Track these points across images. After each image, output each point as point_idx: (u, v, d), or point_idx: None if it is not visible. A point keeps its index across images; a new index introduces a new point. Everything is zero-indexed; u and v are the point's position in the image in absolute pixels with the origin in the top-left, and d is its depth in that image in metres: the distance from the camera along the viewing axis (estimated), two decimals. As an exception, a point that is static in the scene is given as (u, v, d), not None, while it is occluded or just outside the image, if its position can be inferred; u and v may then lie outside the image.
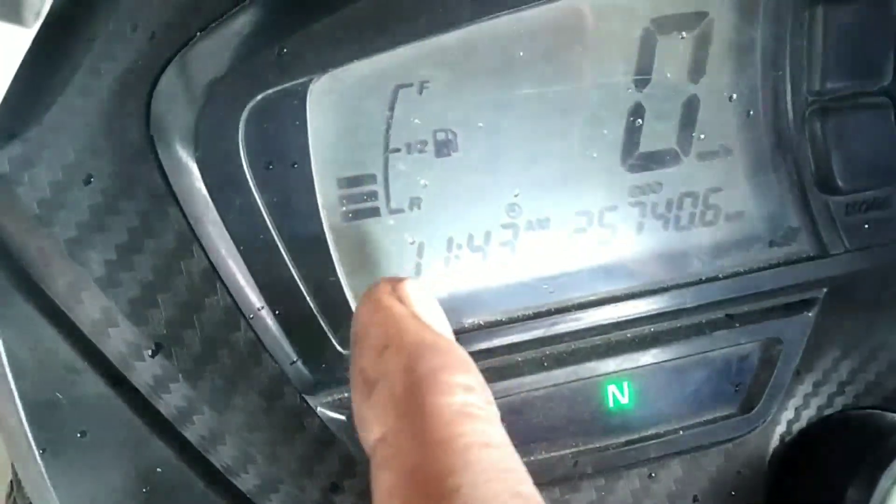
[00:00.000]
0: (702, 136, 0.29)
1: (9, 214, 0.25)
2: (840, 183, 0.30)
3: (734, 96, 0.29)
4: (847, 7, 0.28)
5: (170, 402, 0.28)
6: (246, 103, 0.25)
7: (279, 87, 0.25)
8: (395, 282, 0.23)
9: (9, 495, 0.34)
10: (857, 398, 0.35)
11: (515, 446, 0.29)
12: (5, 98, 0.21)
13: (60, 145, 0.25)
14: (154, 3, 0.25)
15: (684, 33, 0.29)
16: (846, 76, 0.29)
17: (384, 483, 0.21)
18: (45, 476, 0.28)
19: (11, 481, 0.34)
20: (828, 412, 0.35)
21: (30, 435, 0.28)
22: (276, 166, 0.25)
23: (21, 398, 0.28)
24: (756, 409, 0.31)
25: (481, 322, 0.28)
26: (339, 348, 0.27)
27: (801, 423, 0.35)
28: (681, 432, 0.31)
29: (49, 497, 0.29)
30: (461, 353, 0.23)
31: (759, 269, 0.30)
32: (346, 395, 0.28)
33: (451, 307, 0.28)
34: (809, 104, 0.29)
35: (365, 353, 0.23)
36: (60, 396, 0.28)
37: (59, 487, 0.29)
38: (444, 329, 0.24)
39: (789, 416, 0.34)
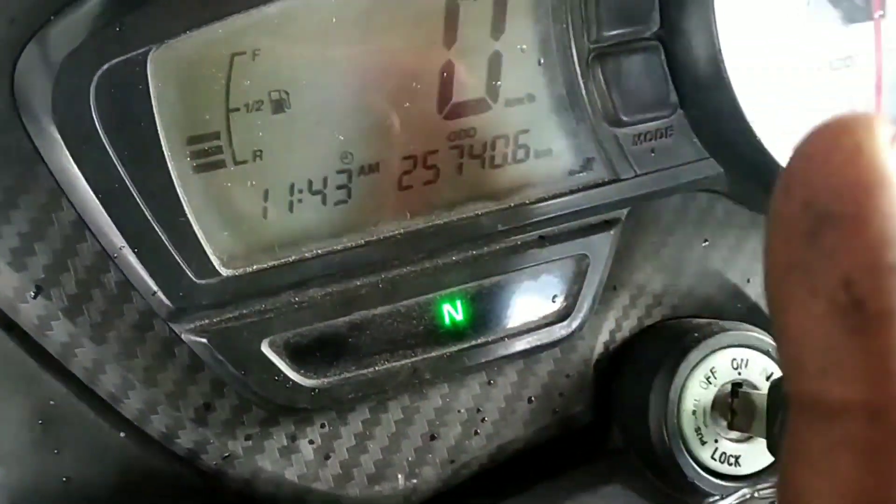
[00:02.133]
0: (505, 85, 0.34)
1: None
2: (624, 117, 0.35)
3: (524, 47, 0.34)
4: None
5: (54, 339, 0.32)
6: (94, 73, 0.29)
7: (121, 58, 0.29)
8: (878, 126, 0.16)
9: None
10: (674, 309, 0.41)
11: (360, 360, 0.34)
12: None
13: (-65, 116, 0.29)
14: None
15: (482, -1, 0.34)
16: (620, 24, 0.34)
17: (845, 474, 0.16)
18: (-51, 413, 0.33)
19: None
20: (648, 323, 0.41)
21: (-68, 375, 0.32)
22: (125, 126, 0.30)
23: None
24: (571, 315, 0.36)
25: (321, 252, 0.33)
26: (193, 278, 0.31)
27: (624, 333, 0.40)
28: (506, 339, 0.36)
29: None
30: None
31: (562, 195, 0.35)
32: (206, 320, 0.32)
33: (295, 240, 0.33)
34: (591, 51, 0.34)
35: (856, 251, 0.16)
36: (-43, 343, 0.32)
37: (-37, 423, 0.33)
38: None
39: (611, 326, 0.39)
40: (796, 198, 0.17)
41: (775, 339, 0.17)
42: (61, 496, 0.35)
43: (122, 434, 0.34)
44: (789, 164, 0.17)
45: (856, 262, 0.16)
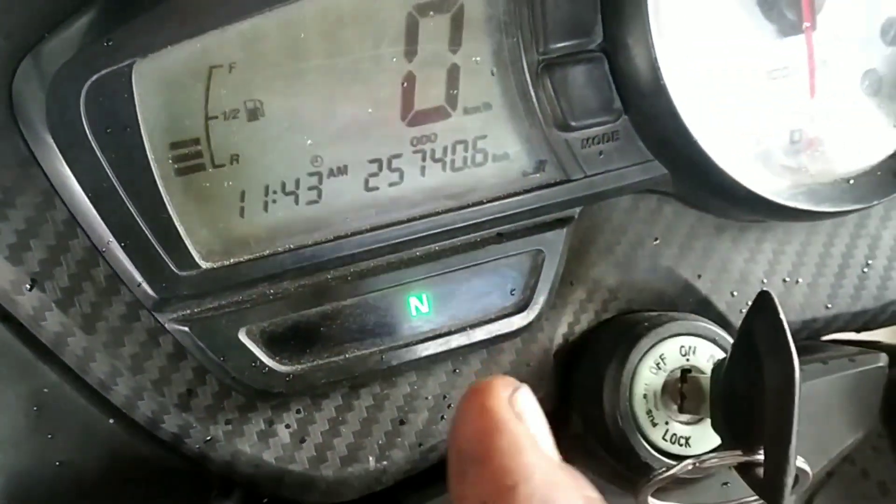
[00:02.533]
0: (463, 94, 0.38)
1: None
2: (572, 123, 0.38)
3: (478, 60, 0.37)
4: (561, -13, 0.37)
5: (48, 329, 0.35)
6: (84, 84, 0.32)
7: (108, 70, 0.32)
8: (511, 389, 0.24)
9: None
10: (629, 303, 0.43)
11: (332, 348, 0.37)
12: None
13: (-62, 124, 0.32)
14: (11, 11, 0.32)
15: (441, 15, 0.37)
16: (566, 38, 0.37)
17: None
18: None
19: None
20: (605, 316, 0.43)
21: (-66, 365, 0.35)
22: (112, 131, 0.33)
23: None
24: (528, 307, 0.39)
25: (293, 247, 0.36)
26: (175, 271, 0.34)
27: (582, 325, 0.43)
28: (468, 329, 0.38)
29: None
30: (585, 485, 0.23)
31: (517, 194, 0.38)
32: (187, 311, 0.35)
33: (270, 236, 0.36)
34: (540, 63, 0.37)
35: (487, 481, 0.22)
36: (-43, 334, 0.35)
37: (-37, 410, 0.36)
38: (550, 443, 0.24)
39: (569, 319, 0.42)
40: (453, 447, 0.24)
41: None
42: (54, 479, 0.37)
43: (110, 420, 0.37)
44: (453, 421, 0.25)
45: (486, 488, 0.22)
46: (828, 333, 0.46)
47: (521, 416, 0.24)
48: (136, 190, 0.33)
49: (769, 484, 0.32)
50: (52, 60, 0.32)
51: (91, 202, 0.33)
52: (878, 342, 0.49)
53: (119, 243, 0.34)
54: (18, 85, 0.32)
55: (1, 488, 0.37)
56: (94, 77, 0.32)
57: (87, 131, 0.32)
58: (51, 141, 0.32)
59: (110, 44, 0.32)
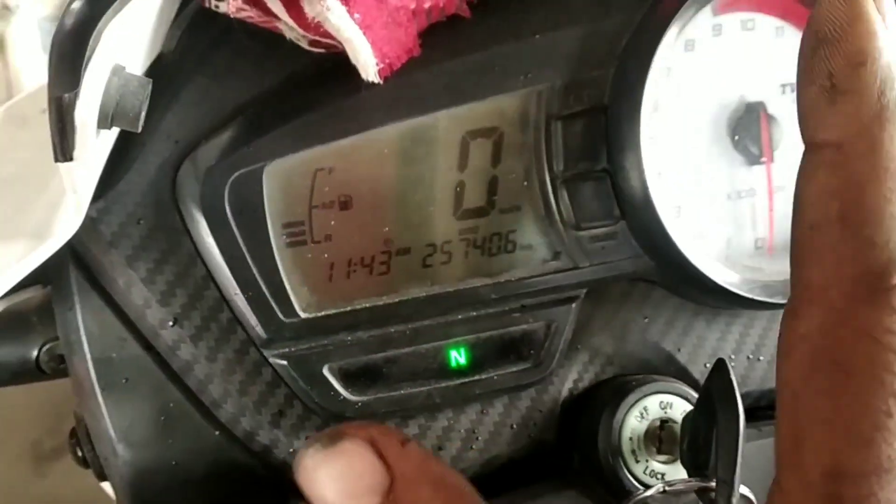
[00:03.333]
0: (500, 198, 0.50)
1: (92, 240, 0.44)
2: (582, 224, 0.49)
3: (513, 175, 0.49)
4: (576, 121, 0.49)
5: (180, 358, 0.46)
6: (228, 179, 0.44)
7: (246, 169, 0.45)
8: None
9: (72, 434, 0.52)
10: (622, 368, 0.54)
11: (391, 385, 0.48)
12: (100, 177, 0.41)
13: (124, 202, 0.44)
14: (178, 124, 0.45)
15: (486, 139, 0.49)
16: (579, 162, 0.49)
17: (823, 181, 0.25)
18: (102, 406, 0.47)
19: (73, 429, 0.52)
20: (603, 377, 0.54)
21: (94, 379, 0.46)
22: (244, 213, 0.45)
23: (90, 356, 0.46)
24: (543, 365, 0.50)
25: (367, 306, 0.47)
26: (281, 318, 0.46)
27: (584, 383, 0.53)
28: (495, 377, 0.49)
29: (104, 422, 0.47)
30: None
31: (538, 276, 0.49)
32: (286, 349, 0.46)
33: (350, 297, 0.48)
34: (559, 178, 0.49)
35: (838, 58, 0.25)
36: (114, 356, 0.47)
37: (111, 416, 0.47)
38: None
39: (574, 377, 0.52)
40: (811, 28, 0.26)
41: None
42: (169, 475, 0.48)
43: (216, 432, 0.48)
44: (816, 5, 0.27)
45: (836, 62, 0.25)
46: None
47: (882, 13, 0.25)
48: (258, 256, 0.45)
49: (720, 501, 0.43)
50: (207, 160, 0.45)
51: (226, 265, 0.45)
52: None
53: (243, 295, 0.45)
54: (181, 177, 0.45)
55: (129, 478, 0.47)
56: (236, 174, 0.44)
57: (228, 212, 0.44)
58: (201, 218, 0.44)
59: (251, 150, 0.44)
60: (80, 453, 0.50)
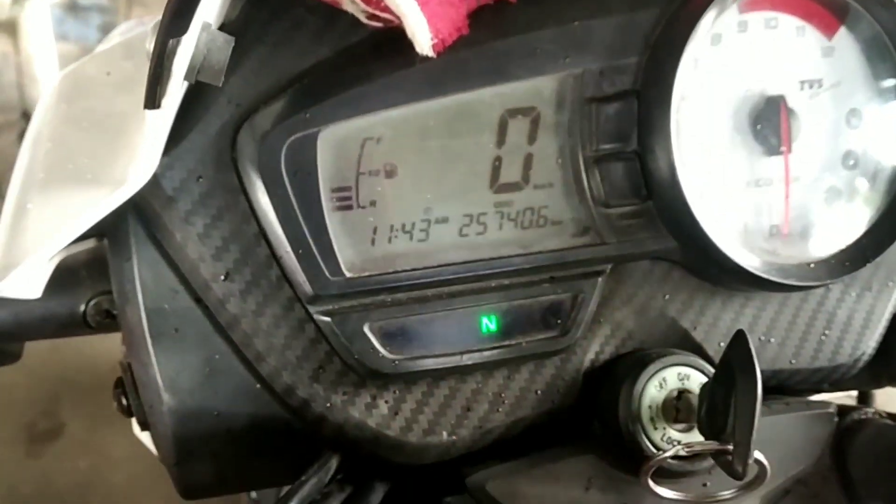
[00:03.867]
0: (534, 174, 0.52)
1: (153, 195, 0.47)
2: (611, 202, 0.52)
3: (548, 152, 0.52)
4: (610, 104, 0.52)
5: (229, 311, 0.49)
6: (285, 142, 0.47)
7: (303, 133, 0.47)
8: None
9: (117, 384, 0.54)
10: (642, 343, 0.56)
11: (425, 346, 0.50)
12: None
13: (186, 159, 0.47)
14: (240, 89, 0.48)
15: (524, 118, 0.52)
16: (611, 141, 0.51)
17: None
18: (152, 355, 0.49)
19: (119, 378, 0.54)
20: (623, 351, 0.57)
21: (146, 328, 0.49)
22: (299, 175, 0.47)
23: (143, 306, 0.49)
24: (569, 334, 0.53)
25: (408, 268, 0.50)
26: (328, 276, 0.48)
27: (605, 355, 0.56)
28: (523, 344, 0.52)
29: (152, 369, 0.49)
30: None
31: (567, 250, 0.52)
32: (331, 306, 0.49)
33: (390, 261, 0.50)
34: (591, 157, 0.52)
35: None
36: (166, 307, 0.49)
37: (160, 364, 0.49)
38: None
39: (596, 348, 0.55)
40: None
41: None
42: (211, 425, 0.50)
43: (258, 385, 0.51)
44: None
45: None
46: (791, 384, 0.60)
47: None
48: (309, 216, 0.48)
49: (736, 462, 0.45)
50: (266, 124, 0.47)
51: (279, 224, 0.47)
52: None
53: (293, 252, 0.48)
54: (240, 139, 0.47)
55: (173, 426, 0.50)
56: (293, 137, 0.47)
57: (283, 174, 0.47)
58: (257, 178, 0.47)
59: (307, 116, 0.47)
60: (124, 402, 0.52)
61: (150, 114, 0.35)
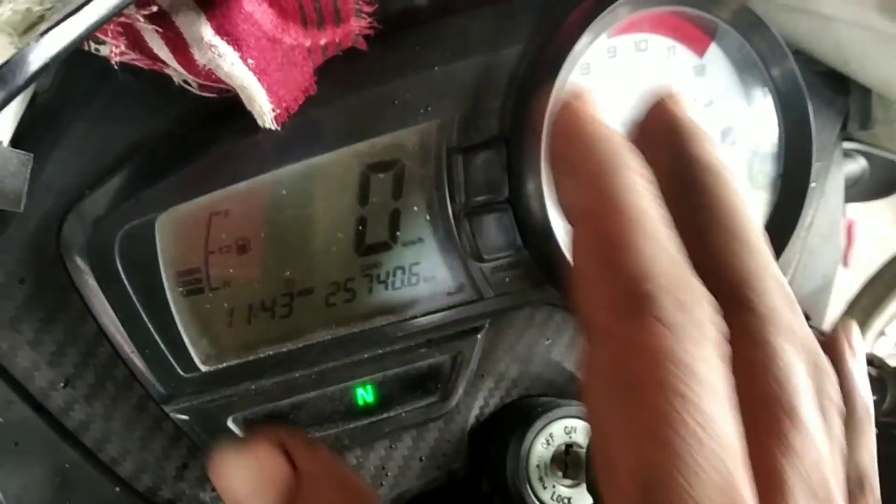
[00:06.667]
0: (402, 232, 0.49)
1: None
2: (485, 256, 0.49)
3: (416, 207, 0.49)
4: (477, 153, 0.48)
5: (74, 418, 0.44)
6: (118, 232, 0.42)
7: (137, 221, 0.42)
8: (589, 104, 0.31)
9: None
10: (527, 390, 0.55)
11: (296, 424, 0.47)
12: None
13: (4, 261, 0.42)
14: (59, 173, 0.42)
15: (386, 173, 0.48)
16: (481, 193, 0.48)
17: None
18: (-9, 474, 0.44)
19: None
20: (508, 400, 0.55)
21: (-19, 446, 0.44)
22: (137, 266, 0.43)
23: (-24, 423, 0.43)
24: (450, 397, 0.50)
25: (270, 353, 0.46)
26: (181, 373, 0.44)
27: (490, 408, 0.54)
28: (403, 414, 0.49)
29: (-8, 488, 0.44)
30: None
31: (442, 310, 0.49)
32: (187, 403, 0.45)
33: (252, 345, 0.46)
34: (461, 210, 0.49)
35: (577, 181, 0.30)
36: (2, 420, 0.44)
37: (3, 483, 0.44)
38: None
39: (480, 403, 0.53)
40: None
41: None
42: (69, 538, 0.46)
43: (117, 489, 0.46)
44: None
45: None
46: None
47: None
48: (152, 310, 0.43)
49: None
50: (94, 212, 0.42)
51: (119, 320, 0.43)
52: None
53: (138, 352, 0.43)
54: (66, 231, 0.42)
55: (25, 546, 0.45)
56: (126, 227, 0.42)
57: (119, 266, 0.42)
58: (89, 273, 0.42)
59: (140, 201, 0.42)
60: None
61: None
